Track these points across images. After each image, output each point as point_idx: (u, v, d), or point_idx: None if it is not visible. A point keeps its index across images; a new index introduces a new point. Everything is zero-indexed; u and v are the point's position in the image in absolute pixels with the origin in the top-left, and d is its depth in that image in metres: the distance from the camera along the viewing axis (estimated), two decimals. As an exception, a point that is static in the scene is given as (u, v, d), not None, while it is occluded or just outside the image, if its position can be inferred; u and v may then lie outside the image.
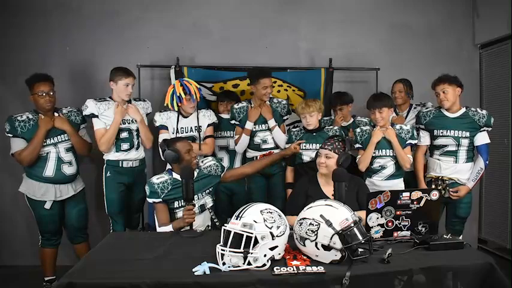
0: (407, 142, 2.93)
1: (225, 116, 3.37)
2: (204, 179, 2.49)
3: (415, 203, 2.02)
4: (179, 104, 2.97)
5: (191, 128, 3.09)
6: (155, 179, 2.41)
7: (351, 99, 3.42)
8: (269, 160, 2.86)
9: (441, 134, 2.96)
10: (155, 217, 2.44)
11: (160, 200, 2.37)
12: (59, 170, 2.92)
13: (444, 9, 4.04)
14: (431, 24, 4.01)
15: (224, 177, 2.60)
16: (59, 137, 2.93)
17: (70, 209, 3.04)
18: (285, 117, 3.30)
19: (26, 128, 2.83)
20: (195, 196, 2.41)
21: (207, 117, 3.15)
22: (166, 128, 3.09)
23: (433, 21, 4.02)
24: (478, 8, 4.02)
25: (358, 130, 3.01)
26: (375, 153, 2.90)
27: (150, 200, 2.41)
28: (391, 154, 2.90)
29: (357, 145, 2.97)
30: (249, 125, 3.14)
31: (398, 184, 2.94)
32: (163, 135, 3.04)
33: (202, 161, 2.57)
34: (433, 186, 2.99)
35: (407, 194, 2.02)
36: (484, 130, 2.94)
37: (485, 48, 4.06)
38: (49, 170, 2.90)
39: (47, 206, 2.93)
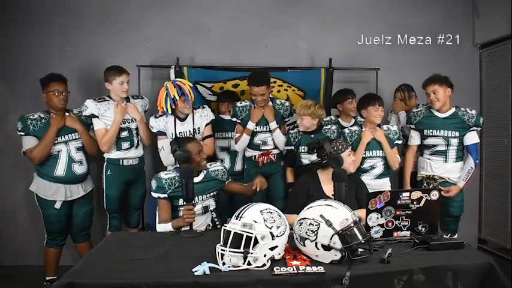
0: (394, 142, 2.96)
1: (226, 116, 3.36)
2: (210, 182, 2.50)
3: (415, 203, 2.02)
4: (173, 107, 2.89)
5: (190, 131, 3.03)
6: (163, 175, 2.41)
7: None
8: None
9: (431, 134, 2.99)
10: (157, 213, 2.43)
11: (166, 195, 2.37)
12: (69, 169, 2.94)
13: (444, 9, 4.03)
14: (431, 24, 4.00)
15: (226, 187, 2.62)
16: (70, 135, 2.96)
17: (77, 209, 3.05)
18: (286, 119, 3.29)
19: (37, 126, 2.85)
20: (199, 196, 2.43)
21: (204, 117, 3.08)
22: (164, 133, 3.04)
23: (433, 21, 4.00)
24: (478, 8, 4.01)
25: (346, 131, 3.01)
26: (365, 154, 2.92)
27: (155, 195, 2.38)
28: (381, 154, 2.93)
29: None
30: (250, 125, 3.12)
31: (386, 183, 2.98)
32: (162, 142, 3.03)
33: (210, 164, 2.59)
34: (425, 185, 3.00)
35: (407, 194, 2.02)
36: (474, 130, 2.95)
37: (485, 48, 4.05)
38: (60, 170, 2.92)
39: (57, 205, 2.94)
